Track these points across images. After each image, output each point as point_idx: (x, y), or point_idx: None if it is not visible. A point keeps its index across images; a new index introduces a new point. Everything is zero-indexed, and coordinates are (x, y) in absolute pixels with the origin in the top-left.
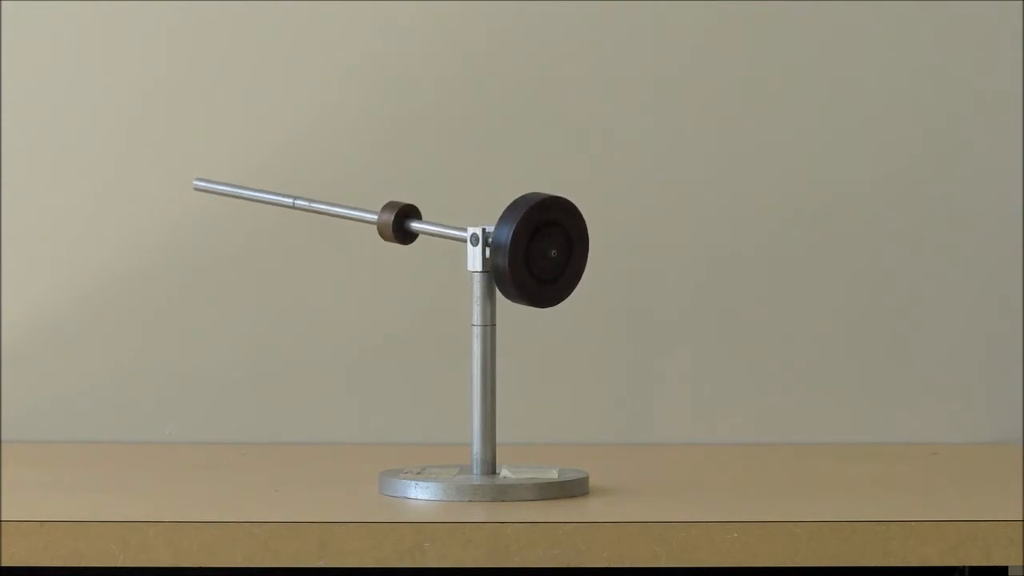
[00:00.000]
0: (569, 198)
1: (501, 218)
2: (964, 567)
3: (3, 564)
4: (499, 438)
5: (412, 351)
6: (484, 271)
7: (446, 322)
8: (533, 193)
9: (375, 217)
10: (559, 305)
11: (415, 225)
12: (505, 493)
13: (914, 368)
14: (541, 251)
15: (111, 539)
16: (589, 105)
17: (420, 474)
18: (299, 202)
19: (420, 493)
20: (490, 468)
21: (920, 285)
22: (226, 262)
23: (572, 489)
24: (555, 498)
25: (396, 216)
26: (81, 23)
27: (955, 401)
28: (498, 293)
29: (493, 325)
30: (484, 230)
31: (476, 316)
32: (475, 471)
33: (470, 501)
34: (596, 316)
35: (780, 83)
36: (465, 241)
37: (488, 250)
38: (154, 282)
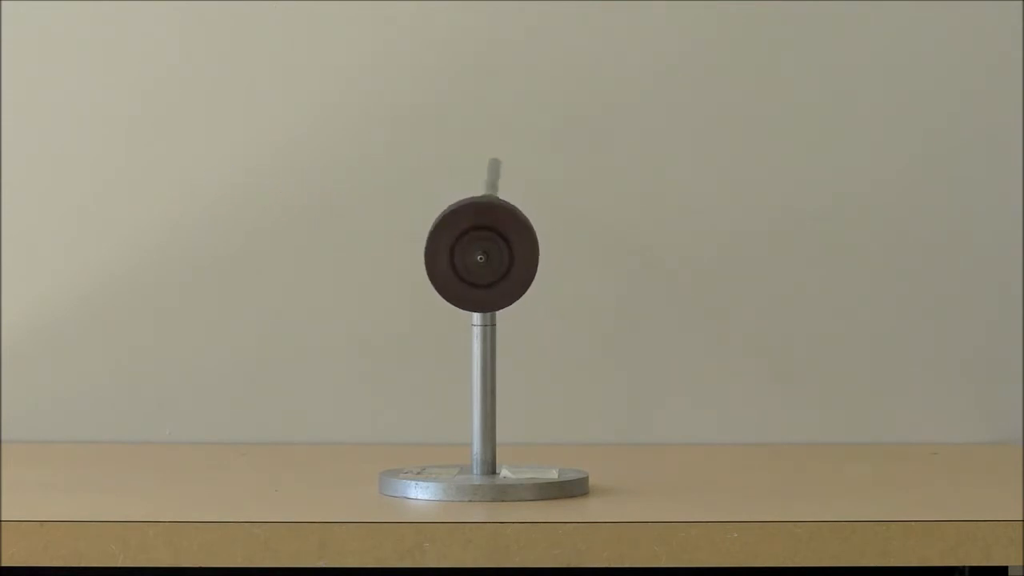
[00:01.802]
0: (570, 197)
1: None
2: (964, 567)
3: (3, 564)
4: (499, 438)
5: (412, 351)
6: None
7: (446, 322)
8: (476, 196)
9: None
10: (559, 305)
11: None
12: (505, 493)
13: (914, 368)
14: (471, 254)
15: (111, 539)
16: (589, 105)
17: (420, 474)
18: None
19: (420, 493)
20: (490, 468)
21: (920, 285)
22: (226, 262)
23: (572, 489)
24: (555, 498)
25: None
26: (81, 23)
27: (955, 401)
28: None
29: (493, 325)
30: None
31: (476, 316)
32: (475, 471)
33: (470, 501)
34: (596, 316)
35: (780, 82)
36: None
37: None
38: (154, 282)
